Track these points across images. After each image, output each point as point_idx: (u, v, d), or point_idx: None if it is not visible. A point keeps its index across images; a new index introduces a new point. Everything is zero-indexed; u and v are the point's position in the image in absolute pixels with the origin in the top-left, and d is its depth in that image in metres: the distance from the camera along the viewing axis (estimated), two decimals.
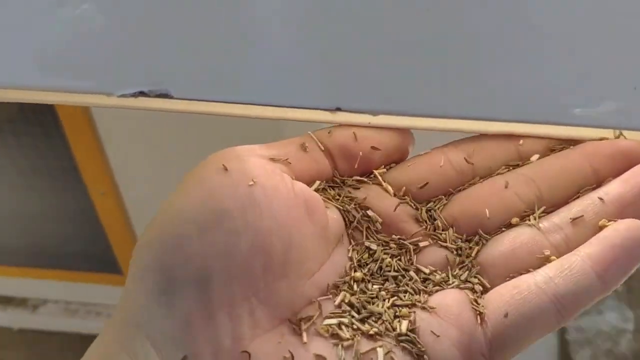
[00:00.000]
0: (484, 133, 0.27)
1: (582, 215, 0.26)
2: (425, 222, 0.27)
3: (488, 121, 0.26)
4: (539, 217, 0.26)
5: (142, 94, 0.23)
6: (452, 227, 0.27)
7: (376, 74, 0.25)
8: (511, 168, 0.28)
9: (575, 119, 0.27)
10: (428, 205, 0.27)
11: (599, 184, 0.27)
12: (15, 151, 0.97)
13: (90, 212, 1.01)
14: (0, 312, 1.20)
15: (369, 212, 0.27)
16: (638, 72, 0.25)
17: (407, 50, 0.25)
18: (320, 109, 0.25)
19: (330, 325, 0.24)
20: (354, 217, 0.27)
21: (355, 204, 0.27)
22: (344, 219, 0.27)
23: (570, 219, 0.26)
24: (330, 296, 0.25)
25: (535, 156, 0.28)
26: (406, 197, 0.27)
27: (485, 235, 0.27)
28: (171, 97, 0.23)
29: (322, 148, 0.27)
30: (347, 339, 0.24)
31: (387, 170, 0.28)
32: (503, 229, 0.27)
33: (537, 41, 0.25)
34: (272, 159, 0.25)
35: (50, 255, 1.13)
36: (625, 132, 0.27)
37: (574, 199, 0.27)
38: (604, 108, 0.26)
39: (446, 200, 0.28)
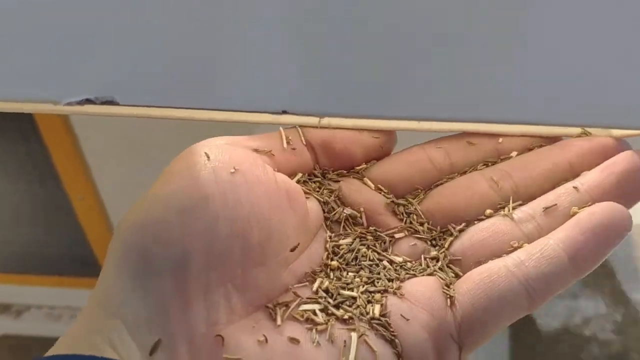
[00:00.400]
0: (427, 130, 0.28)
1: (556, 204, 0.26)
2: (402, 214, 0.28)
3: (431, 121, 0.26)
4: (513, 209, 0.27)
5: (88, 101, 0.24)
6: (428, 220, 0.28)
7: (322, 78, 0.25)
8: (490, 164, 0.29)
9: (538, 118, 0.27)
10: (405, 199, 0.28)
11: (575, 177, 0.27)
12: None
13: (71, 216, 1.01)
14: None
15: (347, 207, 0.28)
16: (591, 71, 0.26)
17: (350, 53, 0.25)
18: (267, 112, 0.25)
19: (305, 310, 0.25)
20: (333, 208, 0.28)
21: (334, 197, 0.28)
22: (323, 210, 0.28)
23: (543, 208, 0.27)
24: (307, 284, 0.26)
25: (514, 153, 0.29)
26: (384, 190, 0.28)
27: (459, 227, 0.28)
28: (117, 104, 0.24)
29: (305, 142, 0.27)
30: (322, 323, 0.24)
31: (368, 166, 0.29)
32: (475, 221, 0.28)
33: (501, 45, 0.25)
34: (256, 150, 0.26)
35: (32, 261, 1.13)
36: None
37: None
38: (561, 107, 0.27)
39: (424, 194, 0.29)
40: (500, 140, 0.29)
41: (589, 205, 0.26)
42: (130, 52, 0.24)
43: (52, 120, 0.89)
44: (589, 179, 0.27)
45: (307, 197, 0.27)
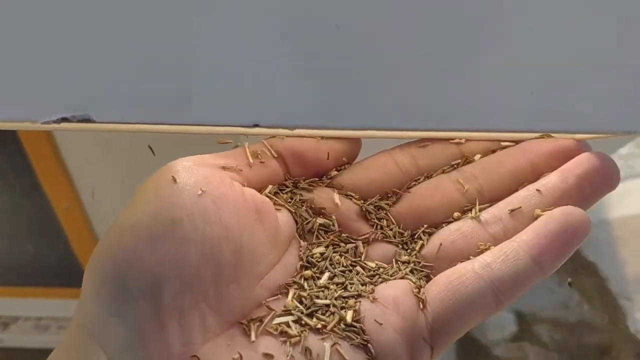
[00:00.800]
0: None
1: (520, 207, 0.28)
2: (373, 220, 0.29)
3: (394, 130, 0.27)
4: (480, 211, 0.28)
5: (64, 120, 0.24)
6: (398, 224, 0.29)
7: (293, 90, 0.26)
8: (455, 167, 0.30)
9: (501, 126, 0.28)
10: (376, 204, 0.29)
11: (537, 178, 0.29)
12: None
13: (56, 227, 1.01)
14: None
15: (319, 216, 0.28)
16: (537, 78, 0.27)
17: (320, 66, 0.26)
18: (239, 126, 0.26)
19: (279, 323, 0.25)
20: (305, 218, 0.28)
21: (306, 207, 0.28)
22: (296, 221, 0.28)
23: (509, 210, 0.28)
24: (280, 296, 0.26)
25: (478, 156, 0.30)
26: (355, 197, 0.29)
27: (429, 230, 0.29)
28: (93, 122, 0.24)
29: (275, 155, 0.28)
30: (295, 336, 0.25)
31: (338, 172, 0.29)
32: (444, 224, 0.29)
33: (465, 55, 0.26)
34: (224, 168, 0.27)
35: (18, 273, 1.12)
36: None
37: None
38: (524, 114, 0.28)
39: (394, 198, 0.29)
40: (464, 141, 0.30)
41: (551, 209, 0.27)
42: (104, 70, 0.24)
43: (32, 130, 0.89)
44: (550, 181, 0.28)
45: (278, 209, 0.28)
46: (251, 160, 0.28)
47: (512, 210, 0.28)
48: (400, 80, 0.27)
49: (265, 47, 0.25)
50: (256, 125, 0.26)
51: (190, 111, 0.26)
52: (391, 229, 0.29)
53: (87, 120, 0.24)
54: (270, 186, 0.28)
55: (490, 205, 0.29)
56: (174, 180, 0.25)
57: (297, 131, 0.27)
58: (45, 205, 0.98)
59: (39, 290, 1.14)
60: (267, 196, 0.28)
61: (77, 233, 1.01)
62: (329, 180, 0.29)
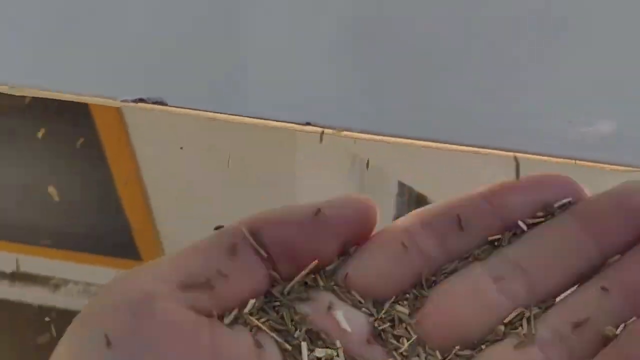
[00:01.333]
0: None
1: (588, 318, 0.20)
2: (390, 342, 0.22)
3: (443, 143, 0.29)
4: (533, 319, 0.21)
5: (141, 100, 0.27)
6: (424, 345, 0.22)
7: (348, 91, 0.28)
8: (494, 245, 0.23)
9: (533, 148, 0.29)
10: (393, 315, 0.22)
11: (604, 261, 0.22)
12: (46, 140, 1.03)
13: (115, 200, 1.07)
14: (24, 289, 1.26)
15: (318, 347, 0.21)
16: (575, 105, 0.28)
17: (378, 69, 0.28)
18: (292, 123, 0.28)
19: None
20: (300, 352, 0.20)
21: (301, 333, 0.21)
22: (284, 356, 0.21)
23: (572, 324, 0.20)
24: None
25: (522, 225, 0.23)
26: (364, 304, 0.22)
27: (465, 353, 0.21)
28: (166, 105, 0.28)
29: (263, 252, 0.21)
30: None
31: (341, 261, 0.22)
32: (482, 346, 0.21)
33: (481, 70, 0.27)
34: (188, 287, 0.19)
35: (74, 239, 1.19)
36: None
37: (574, 288, 0.22)
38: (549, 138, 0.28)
39: (415, 302, 0.22)
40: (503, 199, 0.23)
41: (628, 323, 0.20)
42: (181, 61, 0.28)
43: (104, 108, 0.94)
44: (622, 278, 0.21)
45: (262, 342, 0.20)
46: (231, 263, 0.20)
47: (577, 325, 0.20)
48: (452, 92, 0.28)
49: (325, 48, 0.28)
50: (308, 124, 0.28)
51: (248, 104, 0.29)
52: (416, 354, 0.21)
53: (161, 103, 0.27)
54: (251, 301, 0.21)
55: (546, 309, 0.21)
56: (107, 343, 0.16)
57: (345, 133, 0.29)
58: (108, 179, 1.04)
59: (92, 257, 1.20)
60: (248, 321, 0.20)
61: (134, 207, 1.07)
62: (330, 277, 0.22)
